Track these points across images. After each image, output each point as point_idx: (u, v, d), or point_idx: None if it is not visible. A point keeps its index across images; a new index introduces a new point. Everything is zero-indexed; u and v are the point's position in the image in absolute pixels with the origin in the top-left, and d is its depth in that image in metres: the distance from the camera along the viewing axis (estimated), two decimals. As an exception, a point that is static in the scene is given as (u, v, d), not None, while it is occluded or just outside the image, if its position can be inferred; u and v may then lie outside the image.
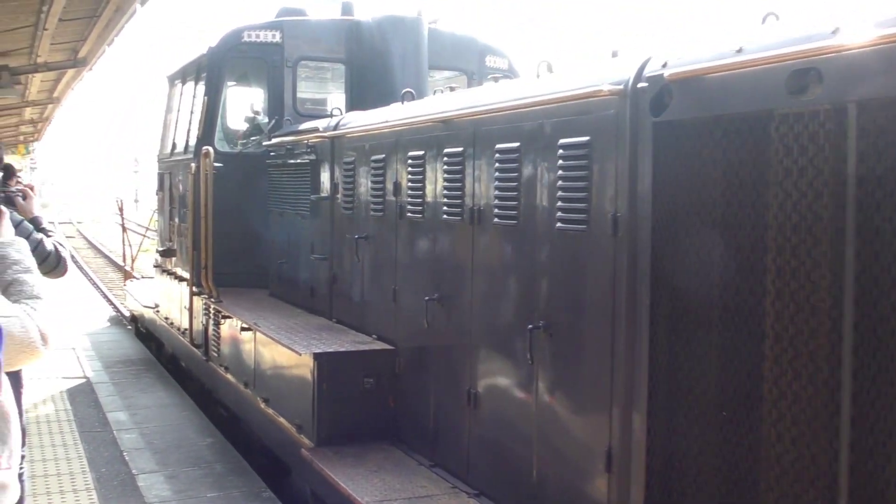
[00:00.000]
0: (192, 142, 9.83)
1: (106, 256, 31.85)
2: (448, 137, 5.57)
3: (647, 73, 3.82)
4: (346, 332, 6.83)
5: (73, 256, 29.41)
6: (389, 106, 6.92)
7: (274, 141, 8.66)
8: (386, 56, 9.14)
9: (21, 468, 3.85)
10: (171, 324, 10.53)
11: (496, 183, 5.00)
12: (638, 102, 3.88)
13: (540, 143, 4.64)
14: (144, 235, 15.52)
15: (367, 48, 9.28)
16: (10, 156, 43.66)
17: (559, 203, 4.44)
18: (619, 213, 4.03)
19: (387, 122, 6.42)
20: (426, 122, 5.80)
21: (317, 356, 6.08)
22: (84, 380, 10.38)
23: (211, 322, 8.69)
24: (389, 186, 6.34)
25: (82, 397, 9.56)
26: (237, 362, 7.91)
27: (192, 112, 10.00)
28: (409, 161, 6.02)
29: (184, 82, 10.54)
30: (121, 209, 13.99)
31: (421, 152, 5.89)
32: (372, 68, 9.19)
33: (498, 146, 4.99)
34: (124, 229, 13.94)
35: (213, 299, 8.41)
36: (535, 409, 4.66)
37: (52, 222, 5.41)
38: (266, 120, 9.92)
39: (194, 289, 9.21)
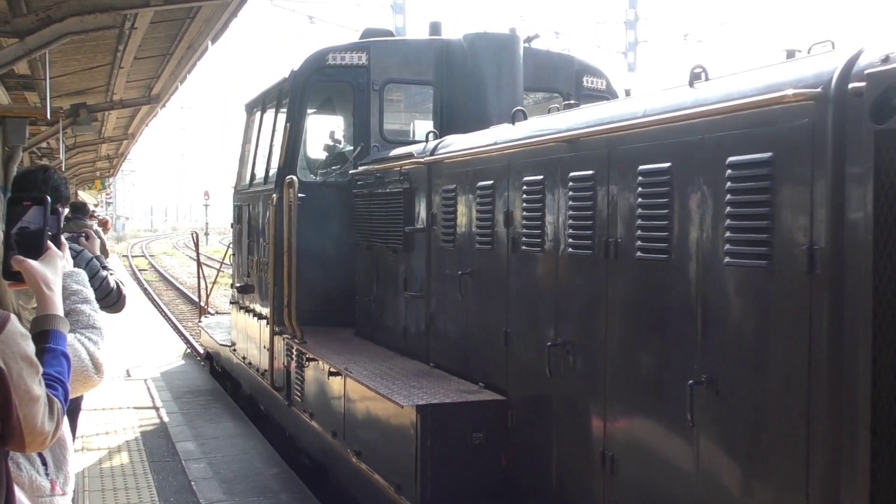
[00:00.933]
0: (273, 171, 9.27)
1: (177, 289, 31.86)
2: (574, 159, 4.82)
3: (862, 69, 3.03)
4: (448, 379, 6.09)
5: (146, 289, 29.43)
6: (497, 126, 6.22)
7: (361, 169, 8.02)
8: (479, 77, 8.46)
9: None
10: (250, 364, 9.92)
11: (639, 210, 4.24)
12: (847, 107, 3.09)
13: (698, 162, 3.87)
14: (219, 270, 15.02)
15: (457, 69, 8.61)
16: (87, 191, 44.24)
17: (727, 234, 3.66)
18: (816, 245, 3.23)
19: (496, 144, 5.71)
20: (546, 142, 5.07)
21: (420, 409, 5.34)
22: (154, 410, 10.40)
23: (294, 364, 8.03)
24: (499, 216, 5.61)
25: (152, 427, 9.60)
26: (324, 409, 7.22)
27: (272, 140, 9.45)
28: (525, 187, 5.29)
29: (263, 110, 10.01)
30: (196, 243, 13.47)
31: (539, 177, 5.15)
32: (463, 91, 8.52)
33: (641, 167, 4.23)
34: (200, 265, 13.42)
35: (296, 340, 7.75)
36: (697, 481, 3.85)
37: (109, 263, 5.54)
38: (349, 147, 9.32)
39: (275, 328, 8.58)
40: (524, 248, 5.31)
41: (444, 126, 8.67)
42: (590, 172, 4.65)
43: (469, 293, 5.98)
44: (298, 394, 7.89)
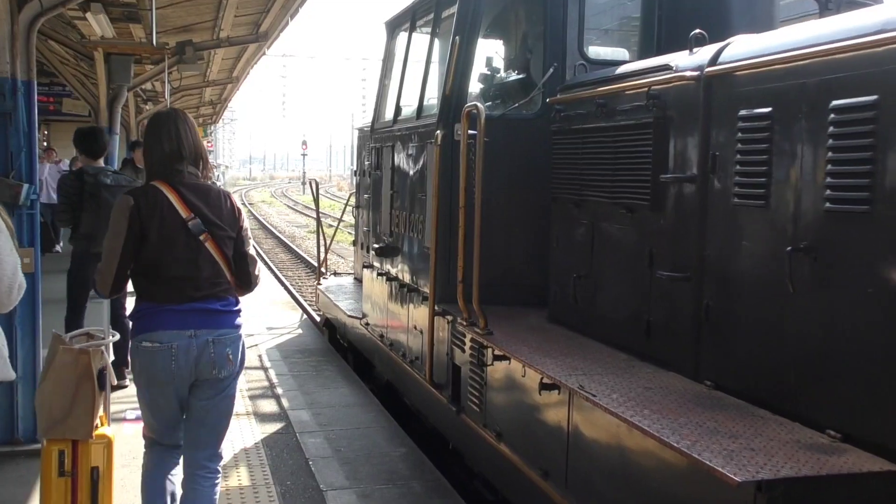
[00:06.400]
0: (431, 103, 6.96)
1: (276, 237, 30.65)
2: None
3: None
4: (760, 418, 3.70)
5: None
6: (865, 9, 3.74)
7: (567, 95, 5.62)
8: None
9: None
10: (391, 345, 7.70)
11: None
12: None
13: None
14: (336, 227, 12.85)
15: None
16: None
17: None
18: None
19: (881, 33, 3.24)
20: None
21: (768, 487, 2.97)
22: (262, 371, 9.25)
23: (468, 358, 5.77)
24: (890, 158, 3.17)
25: (261, 391, 8.44)
26: (524, 433, 4.93)
27: (428, 63, 7.11)
28: (975, 103, 2.83)
29: (412, 27, 7.64)
30: (316, 196, 11.21)
31: None
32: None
33: None
34: (319, 222, 11.15)
35: (478, 329, 5.46)
36: None
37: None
38: (515, 76, 6.93)
39: (436, 307, 6.32)
40: (967, 212, 2.86)
41: (662, 40, 6.27)
42: None
43: (808, 281, 3.56)
44: (475, 401, 5.63)
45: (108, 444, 4.28)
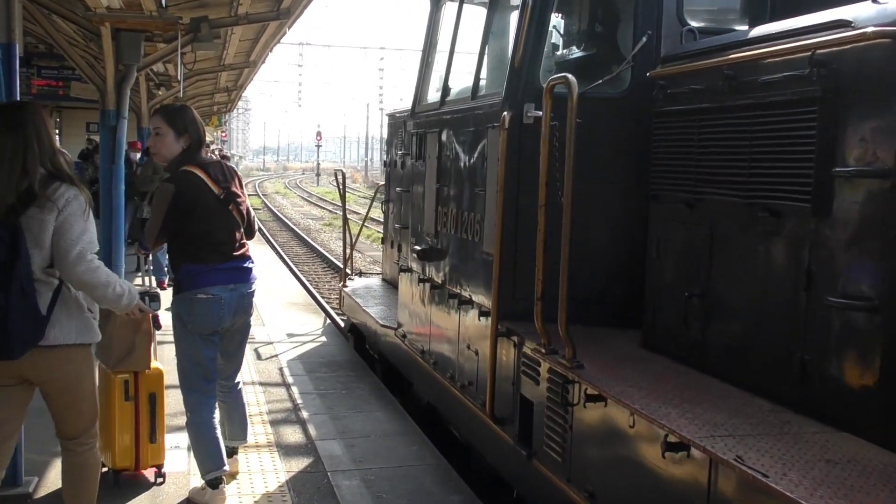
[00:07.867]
0: (486, 81, 5.82)
1: (291, 230, 29.73)
2: None
3: None
4: None
5: (260, 229, 27.95)
6: None
7: (676, 68, 4.46)
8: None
9: None
10: (435, 364, 6.56)
11: None
12: None
13: None
14: (362, 224, 11.74)
15: None
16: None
17: None
18: None
19: None
20: None
21: None
22: (284, 388, 7.96)
23: (544, 393, 4.62)
24: None
25: (283, 415, 7.13)
26: (631, 500, 3.79)
27: (486, 36, 5.95)
28: None
29: (463, -6, 6.48)
30: (342, 189, 10.03)
31: None
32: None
33: None
34: (346, 220, 9.96)
35: (560, 358, 4.30)
36: None
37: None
38: (598, 49, 5.77)
39: (499, 325, 5.17)
40: None
41: (778, 14, 5.10)
42: None
43: None
44: (555, 447, 4.47)
45: (160, 374, 5.32)
